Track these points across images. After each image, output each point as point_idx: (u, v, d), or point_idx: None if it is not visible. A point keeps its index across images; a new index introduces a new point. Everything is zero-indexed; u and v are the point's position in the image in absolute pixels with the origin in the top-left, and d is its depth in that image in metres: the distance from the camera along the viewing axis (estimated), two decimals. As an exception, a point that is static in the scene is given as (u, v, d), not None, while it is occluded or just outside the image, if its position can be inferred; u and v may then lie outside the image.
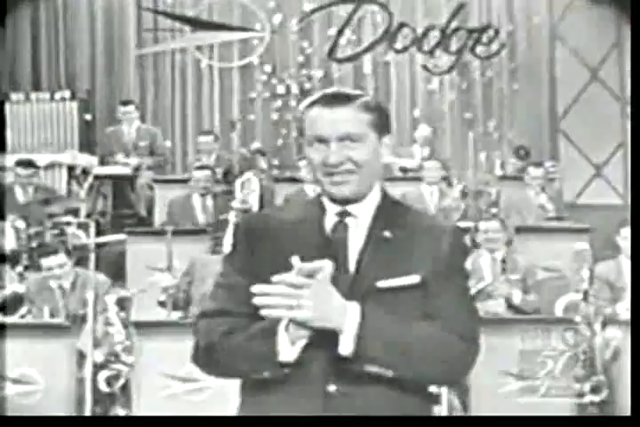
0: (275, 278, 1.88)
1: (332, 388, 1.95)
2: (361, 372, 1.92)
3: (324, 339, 1.91)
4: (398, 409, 1.98)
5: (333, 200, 2.05)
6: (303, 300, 1.87)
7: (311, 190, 7.85)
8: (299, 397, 1.95)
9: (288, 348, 1.91)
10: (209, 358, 2.04)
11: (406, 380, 1.96)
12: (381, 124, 2.04)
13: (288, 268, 1.90)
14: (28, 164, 7.88)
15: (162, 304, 5.88)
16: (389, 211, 2.08)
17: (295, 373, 1.93)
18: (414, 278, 1.99)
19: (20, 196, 7.76)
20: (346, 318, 1.90)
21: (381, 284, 1.98)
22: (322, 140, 2.00)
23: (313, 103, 2.03)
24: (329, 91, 2.07)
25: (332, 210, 2.06)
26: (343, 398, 1.94)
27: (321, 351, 1.93)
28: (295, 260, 1.90)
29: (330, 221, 2.06)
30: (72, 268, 5.88)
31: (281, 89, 10.19)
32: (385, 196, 2.10)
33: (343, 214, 2.05)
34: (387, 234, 2.03)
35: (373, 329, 1.90)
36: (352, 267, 2.01)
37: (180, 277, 5.98)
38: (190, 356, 2.08)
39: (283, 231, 2.06)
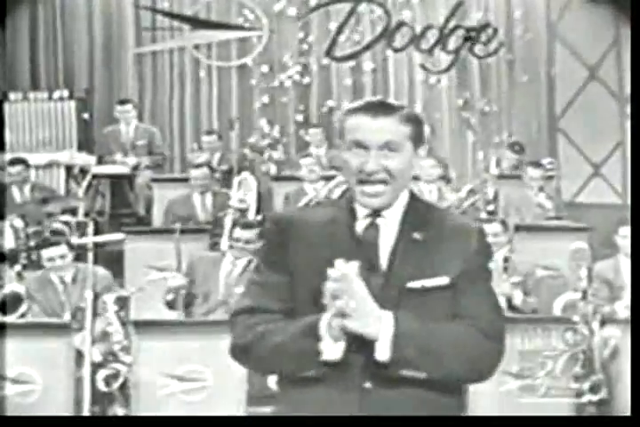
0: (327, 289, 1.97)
1: (367, 384, 2.04)
2: (397, 376, 2.01)
3: (361, 340, 2.01)
4: (431, 406, 2.08)
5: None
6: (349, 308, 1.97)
7: (311, 189, 7.84)
8: (336, 392, 2.04)
9: (332, 347, 1.99)
10: (248, 356, 2.12)
11: (437, 380, 2.05)
12: (418, 136, 2.13)
13: (321, 267, 1.99)
14: (19, 162, 7.87)
15: (169, 304, 5.83)
16: (417, 211, 2.16)
17: (333, 369, 2.02)
18: (444, 280, 2.07)
19: (16, 195, 7.76)
20: (380, 325, 1.99)
21: (412, 284, 2.07)
22: (362, 147, 2.08)
23: (356, 110, 2.11)
24: (374, 99, 2.17)
25: (362, 212, 2.14)
26: (378, 393, 2.04)
27: (359, 350, 2.02)
28: (331, 271, 1.96)
29: (361, 222, 2.14)
30: (73, 260, 5.86)
31: (279, 85, 10.17)
32: (412, 196, 2.19)
33: (374, 215, 2.13)
34: (416, 235, 2.11)
35: (407, 336, 2.00)
36: (383, 267, 2.09)
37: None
38: (229, 351, 2.17)
39: (314, 230, 2.14)
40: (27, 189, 7.82)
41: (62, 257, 5.82)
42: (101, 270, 5.90)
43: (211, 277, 5.91)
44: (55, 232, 7.04)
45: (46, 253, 5.88)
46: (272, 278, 2.13)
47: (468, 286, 2.10)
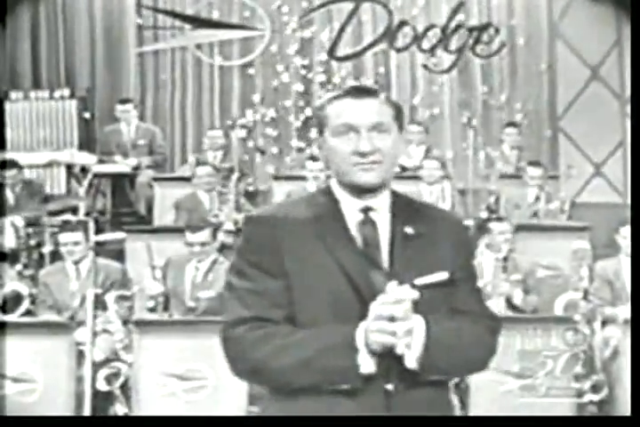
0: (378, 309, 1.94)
1: (389, 386, 1.99)
2: (425, 381, 2.01)
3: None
4: (444, 403, 2.13)
5: (352, 191, 2.07)
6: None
7: (313, 188, 7.81)
8: (361, 395, 1.98)
9: (368, 360, 1.96)
10: (265, 372, 2.01)
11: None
12: (400, 119, 2.11)
13: (320, 267, 1.99)
14: (12, 165, 7.84)
15: (151, 310, 5.86)
16: (403, 206, 2.13)
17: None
18: (443, 275, 2.03)
19: (10, 196, 7.74)
20: (411, 336, 1.96)
21: (417, 281, 2.01)
22: (352, 129, 2.04)
23: (339, 96, 2.09)
24: (354, 85, 2.18)
25: (352, 205, 2.08)
26: (400, 395, 2.00)
27: (382, 356, 1.98)
28: (386, 296, 1.95)
29: (352, 216, 2.08)
30: (87, 245, 5.87)
31: (281, 84, 10.17)
32: (393, 191, 2.15)
33: (367, 210, 2.08)
34: (409, 230, 2.07)
35: (436, 345, 1.98)
36: (385, 265, 2.05)
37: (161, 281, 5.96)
38: (232, 369, 2.06)
39: (302, 228, 2.04)
40: (18, 188, 7.80)
41: (76, 244, 5.98)
42: (114, 264, 6.10)
43: (179, 282, 5.93)
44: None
45: (62, 237, 6.07)
46: (267, 284, 2.01)
47: (464, 280, 2.12)
